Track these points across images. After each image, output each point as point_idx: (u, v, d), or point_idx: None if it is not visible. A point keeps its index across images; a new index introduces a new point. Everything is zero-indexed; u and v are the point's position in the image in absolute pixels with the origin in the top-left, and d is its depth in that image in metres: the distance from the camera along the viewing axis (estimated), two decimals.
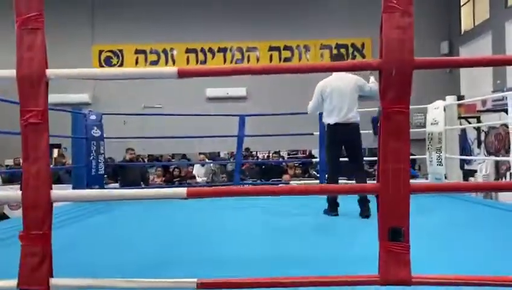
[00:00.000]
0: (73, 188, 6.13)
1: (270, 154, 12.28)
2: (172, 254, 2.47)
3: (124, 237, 3.11)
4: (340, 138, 3.90)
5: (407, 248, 1.49)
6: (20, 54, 1.42)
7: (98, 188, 5.76)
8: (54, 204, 1.48)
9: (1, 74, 1.48)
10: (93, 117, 5.80)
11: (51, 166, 8.80)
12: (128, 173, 7.89)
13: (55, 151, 12.83)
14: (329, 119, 3.96)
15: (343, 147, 4.00)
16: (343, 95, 3.85)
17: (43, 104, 1.43)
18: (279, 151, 13.52)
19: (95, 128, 5.78)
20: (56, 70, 1.46)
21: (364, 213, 3.57)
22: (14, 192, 1.45)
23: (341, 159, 4.15)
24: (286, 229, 3.20)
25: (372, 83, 4.05)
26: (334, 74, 3.99)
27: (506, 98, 5.03)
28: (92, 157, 5.70)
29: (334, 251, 2.50)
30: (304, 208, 4.06)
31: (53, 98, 10.68)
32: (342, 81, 3.88)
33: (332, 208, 3.80)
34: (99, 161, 5.83)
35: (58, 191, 1.44)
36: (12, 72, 1.43)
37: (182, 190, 1.46)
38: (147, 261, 2.27)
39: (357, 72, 3.84)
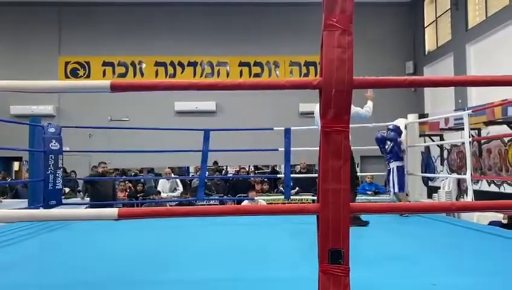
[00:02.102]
0: (30, 203, 5.91)
1: (240, 169, 12.20)
2: (117, 275, 2.36)
3: (73, 256, 2.97)
4: None
5: (346, 271, 1.46)
6: None
7: (55, 204, 5.56)
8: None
9: None
10: (51, 130, 5.59)
11: (10, 180, 8.45)
12: (99, 187, 7.67)
13: (16, 165, 12.39)
14: None
15: None
16: None
17: None
18: (257, 166, 13.46)
19: (54, 141, 5.57)
20: None
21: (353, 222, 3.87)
22: None
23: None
24: (238, 248, 3.13)
25: (367, 107, 4.53)
26: None
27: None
28: (49, 172, 5.48)
29: (277, 271, 2.44)
30: (266, 225, 4.01)
31: (16, 109, 10.42)
32: None
33: None
34: (58, 175, 5.62)
35: None
36: None
37: (113, 211, 1.39)
38: (93, 282, 2.16)
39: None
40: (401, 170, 5.33)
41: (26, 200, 6.32)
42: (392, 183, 5.31)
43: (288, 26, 12.78)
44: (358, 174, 4.95)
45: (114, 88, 1.40)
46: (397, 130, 5.57)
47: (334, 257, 1.46)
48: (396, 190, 5.29)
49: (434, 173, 10.98)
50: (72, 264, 2.66)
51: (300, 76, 12.84)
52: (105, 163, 7.90)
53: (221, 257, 2.84)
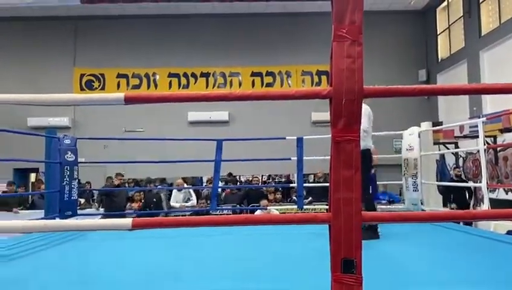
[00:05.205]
0: (46, 213, 5.99)
1: (253, 179, 12.19)
2: (128, 285, 2.38)
3: (86, 267, 3.00)
4: None
5: (359, 280, 1.45)
6: None
7: (70, 214, 5.64)
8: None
9: None
10: (67, 141, 5.68)
11: (26, 191, 8.57)
12: (114, 198, 7.80)
13: (33, 176, 12.58)
14: None
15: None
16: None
17: None
18: (274, 175, 13.45)
19: (69, 152, 5.66)
20: (0, 95, 1.42)
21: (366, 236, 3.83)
22: None
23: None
24: (250, 258, 3.13)
25: None
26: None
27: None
28: (65, 183, 5.56)
29: (286, 283, 2.42)
30: (282, 236, 4.00)
31: (33, 121, 10.63)
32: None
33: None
34: (73, 186, 5.70)
35: None
36: None
37: (128, 221, 1.41)
38: None
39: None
40: None
41: (43, 210, 6.41)
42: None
43: (300, 36, 12.84)
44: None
45: (128, 100, 1.43)
46: None
47: (347, 267, 1.46)
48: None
49: (449, 181, 10.82)
50: (84, 275, 2.68)
51: (312, 85, 12.86)
52: (122, 175, 8.00)
53: (231, 267, 2.84)
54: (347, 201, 1.46)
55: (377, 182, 9.73)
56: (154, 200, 8.34)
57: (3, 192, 8.18)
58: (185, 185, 9.64)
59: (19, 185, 9.77)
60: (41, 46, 12.88)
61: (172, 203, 8.45)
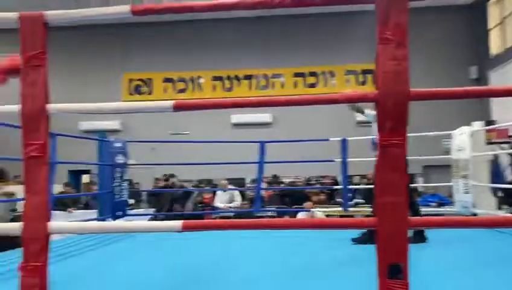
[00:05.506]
0: (99, 214, 6.27)
1: (296, 180, 12.12)
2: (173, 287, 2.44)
3: (130, 271, 3.08)
4: None
5: (406, 286, 1.43)
6: (24, 90, 1.49)
7: (121, 215, 5.87)
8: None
9: (7, 109, 1.55)
10: (118, 144, 5.93)
11: (78, 192, 8.98)
12: (162, 199, 8.08)
13: (85, 178, 13.17)
14: None
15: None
16: None
17: (44, 138, 1.48)
18: (318, 177, 13.30)
19: (120, 155, 5.90)
20: (57, 105, 1.52)
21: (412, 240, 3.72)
22: (14, 224, 1.48)
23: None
24: (294, 263, 3.12)
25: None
26: None
27: None
28: (116, 184, 5.80)
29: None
30: (327, 241, 3.96)
31: (84, 125, 11.09)
32: None
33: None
34: (123, 187, 5.93)
35: (56, 223, 1.47)
36: (16, 108, 1.49)
37: (178, 223, 1.46)
38: None
39: None
40: None
41: (95, 210, 6.71)
42: None
43: (343, 35, 12.67)
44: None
45: (177, 108, 1.49)
46: None
47: (393, 272, 1.44)
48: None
49: (503, 183, 10.28)
50: (131, 277, 2.74)
51: (357, 84, 12.65)
52: (171, 176, 8.24)
53: (274, 272, 2.85)
54: (393, 205, 1.44)
55: (425, 184, 9.45)
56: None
57: (61, 193, 8.62)
58: (229, 187, 9.75)
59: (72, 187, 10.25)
60: (92, 52, 13.51)
61: (217, 203, 8.60)
